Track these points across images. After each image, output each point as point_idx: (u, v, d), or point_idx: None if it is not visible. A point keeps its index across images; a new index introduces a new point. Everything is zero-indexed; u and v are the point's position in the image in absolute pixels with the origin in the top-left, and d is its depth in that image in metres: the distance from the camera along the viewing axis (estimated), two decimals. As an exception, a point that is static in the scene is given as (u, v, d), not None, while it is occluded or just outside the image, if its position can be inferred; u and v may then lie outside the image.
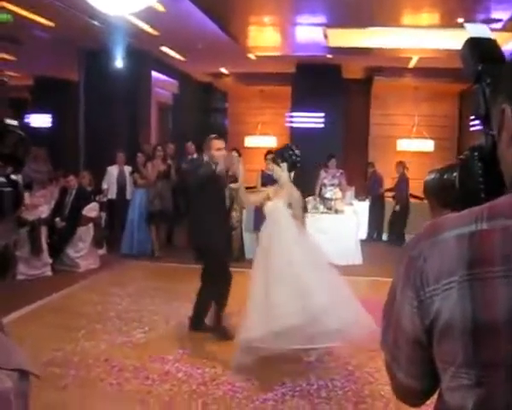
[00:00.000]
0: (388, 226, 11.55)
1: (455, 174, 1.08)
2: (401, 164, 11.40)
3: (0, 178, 1.18)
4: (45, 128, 14.05)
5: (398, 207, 11.21)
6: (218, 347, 5.00)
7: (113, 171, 9.64)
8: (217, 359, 4.75)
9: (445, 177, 1.11)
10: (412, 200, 12.35)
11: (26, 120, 14.18)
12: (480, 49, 1.09)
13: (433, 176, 1.17)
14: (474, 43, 1.10)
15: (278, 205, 4.84)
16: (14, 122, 1.25)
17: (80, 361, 4.61)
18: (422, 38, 9.29)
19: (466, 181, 1.05)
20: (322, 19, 8.85)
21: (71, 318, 5.80)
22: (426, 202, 1.23)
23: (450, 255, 0.88)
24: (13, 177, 1.20)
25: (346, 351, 5.03)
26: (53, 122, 14.35)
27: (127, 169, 9.55)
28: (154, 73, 11.93)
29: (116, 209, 9.45)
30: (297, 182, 8.41)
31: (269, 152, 8.17)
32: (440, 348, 0.91)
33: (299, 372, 4.52)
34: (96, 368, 4.47)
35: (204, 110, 14.79)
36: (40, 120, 14.38)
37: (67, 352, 4.82)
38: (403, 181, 11.31)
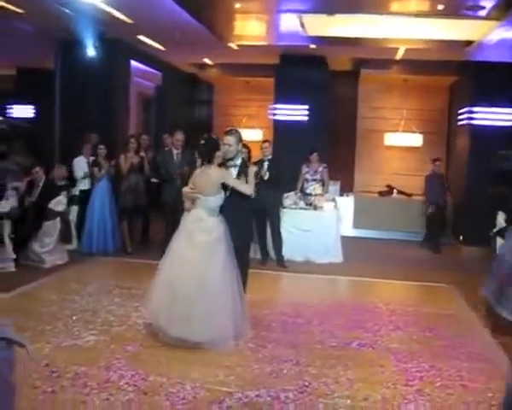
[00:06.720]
0: None
1: None
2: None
3: None
4: (28, 119, 13.72)
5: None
6: (171, 353, 4.69)
7: (79, 163, 9.23)
8: (165, 364, 4.44)
9: None
10: (399, 196, 12.05)
11: (8, 111, 13.98)
12: None
13: None
14: None
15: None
16: None
17: (18, 365, 4.27)
18: (408, 27, 8.93)
19: None
20: (303, 5, 8.45)
21: (22, 318, 5.44)
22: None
23: None
24: None
25: (305, 358, 4.74)
26: (35, 113, 14.06)
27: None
28: (135, 64, 11.56)
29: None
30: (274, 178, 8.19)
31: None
32: None
33: (248, 381, 4.21)
34: (33, 373, 4.14)
35: (189, 102, 14.40)
36: (22, 111, 14.08)
37: (8, 356, 4.49)
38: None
